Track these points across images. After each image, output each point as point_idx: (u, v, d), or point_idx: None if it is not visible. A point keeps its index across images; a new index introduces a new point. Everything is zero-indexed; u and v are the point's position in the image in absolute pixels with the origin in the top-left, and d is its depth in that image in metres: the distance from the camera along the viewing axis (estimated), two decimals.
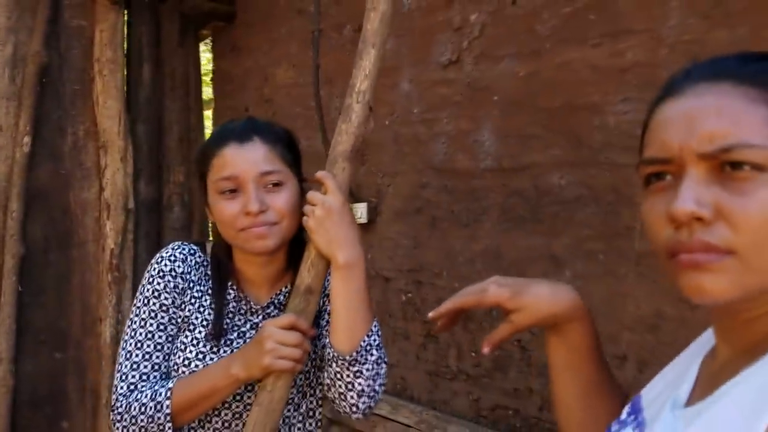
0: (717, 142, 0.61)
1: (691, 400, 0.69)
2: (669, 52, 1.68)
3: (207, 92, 3.72)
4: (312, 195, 1.14)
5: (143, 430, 1.18)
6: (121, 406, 1.20)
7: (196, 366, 1.21)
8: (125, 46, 2.96)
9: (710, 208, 0.60)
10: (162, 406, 1.16)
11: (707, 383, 0.67)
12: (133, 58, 2.99)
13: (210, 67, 3.64)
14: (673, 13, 1.68)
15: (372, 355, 1.15)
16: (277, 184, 1.19)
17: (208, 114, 3.82)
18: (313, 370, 1.28)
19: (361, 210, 2.53)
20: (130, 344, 1.23)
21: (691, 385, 0.71)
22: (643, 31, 1.72)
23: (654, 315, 1.74)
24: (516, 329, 0.89)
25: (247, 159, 1.18)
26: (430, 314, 0.95)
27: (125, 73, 2.94)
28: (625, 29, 1.76)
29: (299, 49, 2.79)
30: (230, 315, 1.26)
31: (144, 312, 1.24)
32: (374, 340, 1.16)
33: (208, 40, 3.48)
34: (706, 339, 0.76)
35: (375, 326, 1.17)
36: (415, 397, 2.41)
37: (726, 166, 0.61)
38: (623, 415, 0.78)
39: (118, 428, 1.21)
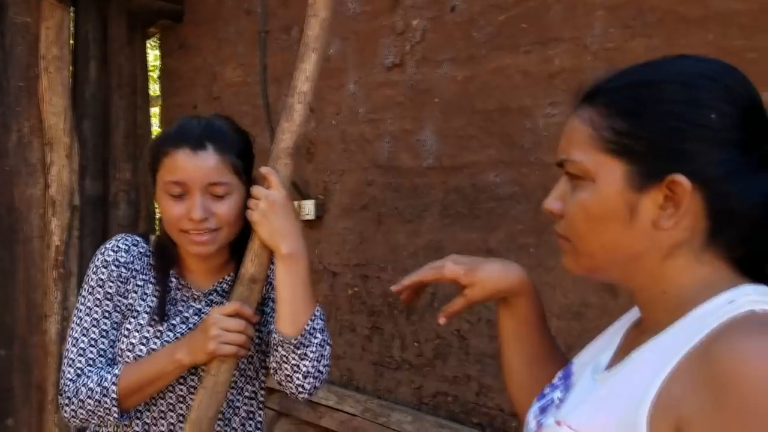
0: (559, 155, 0.79)
1: (610, 365, 0.80)
2: (593, 58, 1.81)
3: (155, 89, 3.71)
4: (256, 189, 1.21)
5: (91, 413, 1.24)
6: (69, 390, 1.25)
7: (140, 351, 1.26)
8: (72, 43, 2.95)
9: (560, 205, 0.78)
10: (108, 391, 1.22)
11: (626, 350, 0.78)
12: (80, 55, 2.99)
13: (157, 64, 3.64)
14: (597, 23, 1.81)
15: (315, 338, 1.23)
16: (222, 192, 1.23)
17: (155, 111, 3.82)
18: (256, 355, 1.35)
19: (309, 207, 2.60)
20: (77, 331, 1.29)
21: (613, 351, 0.82)
22: (569, 39, 1.85)
23: (579, 304, 1.87)
24: (469, 302, 1.00)
25: (197, 168, 1.21)
26: (393, 287, 1.07)
27: (71, 70, 2.93)
28: (553, 37, 1.89)
29: (247, 49, 2.84)
30: (173, 302, 1.31)
31: (89, 301, 1.29)
32: (317, 324, 1.24)
33: (155, 38, 3.48)
34: (634, 312, 0.87)
35: (318, 311, 1.25)
36: (360, 387, 2.50)
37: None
38: (555, 380, 0.89)
39: (66, 412, 1.26)
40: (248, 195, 1.26)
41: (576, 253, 0.78)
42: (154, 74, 3.80)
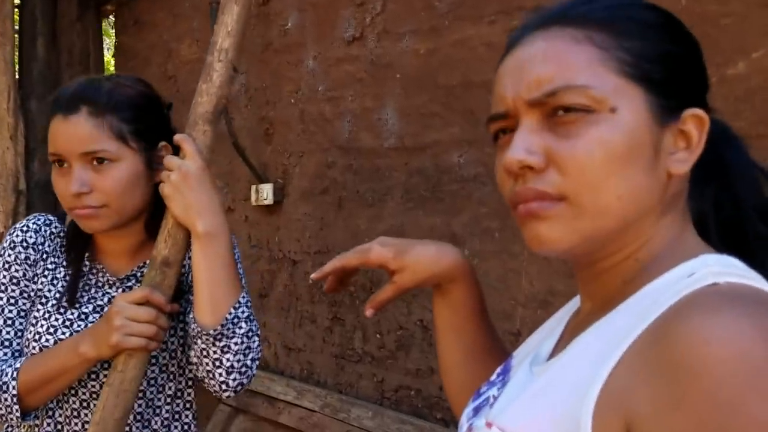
0: (543, 87, 0.59)
1: (552, 356, 0.68)
2: None
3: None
4: (168, 159, 1.07)
5: None
6: None
7: (47, 341, 1.13)
8: (19, 19, 2.79)
9: (541, 156, 0.59)
10: (8, 387, 1.09)
11: (568, 338, 0.66)
12: (26, 31, 2.82)
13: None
14: None
15: (240, 328, 1.09)
16: (103, 161, 1.09)
17: None
18: (180, 348, 1.21)
19: (267, 191, 2.47)
20: None
21: (555, 341, 0.70)
22: (534, 8, 1.72)
23: (546, 291, 1.75)
24: (399, 289, 0.87)
25: (70, 136, 1.08)
26: (313, 275, 0.93)
27: (18, 46, 2.76)
28: (518, 6, 1.76)
29: (202, 24, 2.69)
30: (86, 287, 1.18)
31: None
32: (242, 312, 1.10)
33: (112, 16, 3.32)
34: (575, 301, 0.75)
35: (243, 297, 1.11)
36: (321, 381, 2.37)
37: (558, 111, 0.59)
38: (493, 376, 0.77)
39: None
40: (148, 164, 1.12)
41: (578, 214, 0.59)
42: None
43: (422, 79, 2.01)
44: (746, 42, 1.42)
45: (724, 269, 0.55)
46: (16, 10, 2.85)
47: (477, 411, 0.72)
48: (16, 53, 2.81)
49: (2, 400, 1.09)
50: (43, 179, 2.82)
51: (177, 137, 1.08)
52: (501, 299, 1.83)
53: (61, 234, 1.20)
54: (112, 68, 3.56)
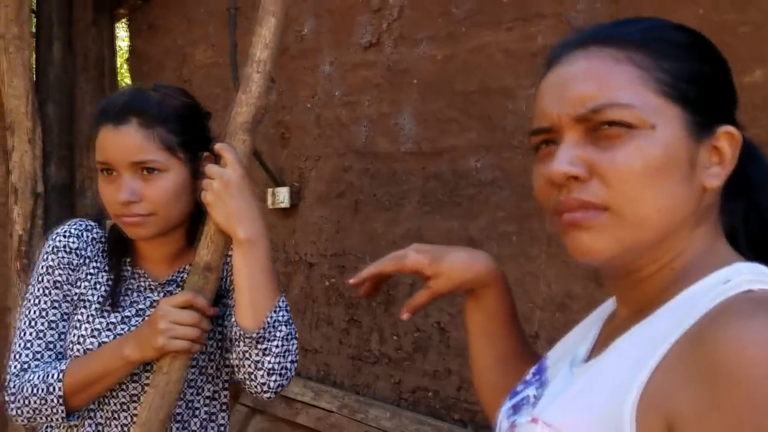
0: (587, 104, 0.63)
1: (590, 357, 0.71)
2: None
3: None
4: (210, 168, 1.10)
5: (36, 411, 1.14)
6: (14, 386, 1.15)
7: (90, 344, 1.16)
8: (34, 23, 2.82)
9: (584, 167, 0.62)
10: (53, 388, 1.12)
11: (604, 342, 0.70)
12: (43, 36, 2.85)
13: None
14: None
15: (280, 331, 1.12)
16: (152, 171, 1.13)
17: None
18: (218, 351, 1.24)
19: (283, 194, 2.50)
20: (24, 322, 1.19)
21: (591, 344, 0.74)
22: (553, 15, 1.76)
23: (564, 295, 1.78)
24: (434, 295, 0.91)
25: (120, 146, 1.12)
26: (351, 280, 0.96)
27: (34, 51, 2.79)
28: (536, 13, 1.79)
29: (217, 29, 2.72)
30: (128, 292, 1.21)
31: (38, 290, 1.19)
32: (282, 316, 1.13)
33: (125, 20, 3.35)
34: (609, 304, 0.79)
35: (282, 302, 1.14)
36: (338, 382, 2.40)
37: (600, 126, 0.63)
38: (528, 376, 0.80)
39: (12, 410, 1.17)
40: (193, 174, 1.16)
41: (620, 224, 0.62)
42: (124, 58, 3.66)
43: (439, 85, 2.04)
44: (764, 50, 1.45)
45: (757, 277, 0.59)
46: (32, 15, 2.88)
47: (516, 409, 0.75)
48: (33, 58, 2.83)
49: (48, 401, 1.12)
50: (60, 182, 2.85)
51: (217, 146, 1.11)
52: (519, 302, 1.84)
53: (102, 239, 1.24)
54: (125, 72, 3.59)
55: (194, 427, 1.22)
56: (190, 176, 1.16)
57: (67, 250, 1.20)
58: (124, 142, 1.11)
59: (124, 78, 3.59)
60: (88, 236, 1.22)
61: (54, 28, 2.85)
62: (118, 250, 1.21)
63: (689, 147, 0.63)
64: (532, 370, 0.81)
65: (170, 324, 1.07)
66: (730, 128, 0.64)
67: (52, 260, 1.19)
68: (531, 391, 0.76)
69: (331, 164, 2.39)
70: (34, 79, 2.76)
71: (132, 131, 1.12)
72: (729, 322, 0.53)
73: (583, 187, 0.63)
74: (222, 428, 1.26)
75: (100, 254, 1.22)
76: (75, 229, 1.22)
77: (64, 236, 1.21)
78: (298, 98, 2.48)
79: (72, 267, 1.20)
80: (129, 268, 1.22)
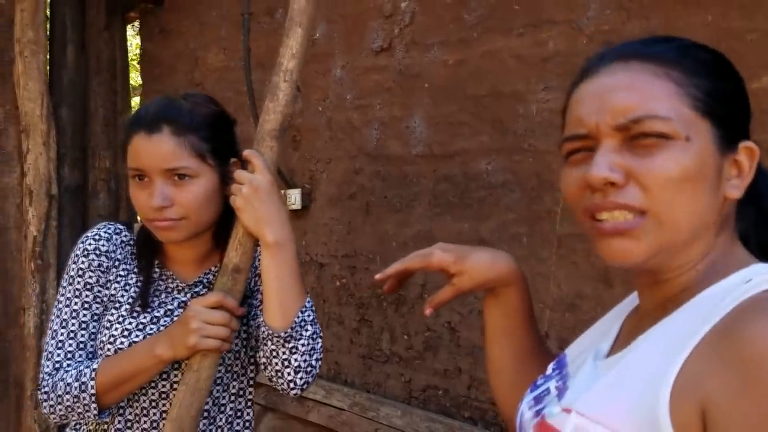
0: (628, 114, 0.67)
1: (611, 352, 0.76)
2: (588, 42, 1.75)
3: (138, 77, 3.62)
4: (239, 173, 1.14)
5: (69, 409, 1.18)
6: (47, 385, 1.19)
7: (121, 344, 1.20)
8: (48, 27, 2.86)
9: (621, 174, 0.67)
10: (87, 386, 1.15)
11: (627, 336, 0.74)
12: (57, 39, 2.89)
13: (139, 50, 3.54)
14: (592, 5, 1.75)
15: (307, 330, 1.16)
16: (184, 177, 1.17)
17: (138, 99, 3.72)
18: (244, 350, 1.28)
19: (295, 196, 2.54)
20: (56, 323, 1.23)
21: (613, 339, 0.79)
22: (563, 22, 1.79)
23: (574, 295, 1.82)
24: (458, 292, 0.95)
25: (153, 153, 1.16)
26: (377, 276, 1.01)
27: (48, 54, 2.83)
28: (547, 19, 1.83)
29: (229, 33, 2.75)
30: (157, 293, 1.25)
31: (69, 291, 1.23)
32: (308, 316, 1.17)
33: (136, 23, 3.38)
34: (630, 300, 0.84)
35: (308, 302, 1.19)
36: (349, 381, 2.44)
37: (638, 136, 0.68)
38: (549, 371, 0.85)
39: (45, 408, 1.21)
40: (222, 179, 1.20)
41: (658, 228, 0.67)
42: (137, 61, 3.69)
43: (451, 90, 2.08)
44: None
45: None
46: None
47: (538, 400, 0.80)
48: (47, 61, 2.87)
49: (81, 399, 1.16)
50: (73, 184, 2.89)
51: (246, 153, 1.15)
52: None
53: (131, 242, 1.28)
54: (136, 74, 3.62)
55: (221, 423, 1.26)
56: (219, 181, 1.20)
57: (98, 252, 1.24)
58: (157, 149, 1.15)
59: (136, 81, 3.62)
60: (117, 239, 1.27)
61: (68, 32, 2.90)
62: (147, 252, 1.25)
63: (717, 159, 0.68)
64: (552, 365, 0.85)
65: (202, 324, 1.11)
66: (750, 143, 0.71)
67: (83, 263, 1.24)
68: (553, 384, 0.80)
69: (342, 167, 2.43)
70: (48, 82, 2.79)
71: (165, 139, 1.16)
72: (756, 318, 0.59)
73: (621, 192, 0.67)
74: (248, 424, 1.30)
75: (130, 257, 1.27)
76: (105, 232, 1.26)
77: (95, 239, 1.25)
78: (309, 101, 2.52)
79: (102, 269, 1.24)
80: (158, 270, 1.26)
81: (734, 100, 0.71)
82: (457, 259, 0.94)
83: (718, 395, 0.58)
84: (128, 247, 1.27)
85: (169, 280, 1.26)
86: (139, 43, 3.32)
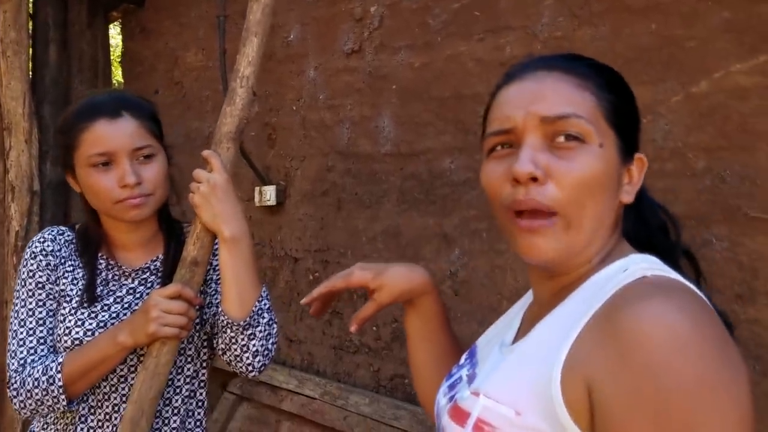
0: (556, 110, 0.74)
1: (515, 341, 0.84)
2: (542, 47, 1.84)
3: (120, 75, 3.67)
4: (198, 172, 1.23)
5: (39, 402, 1.24)
6: (15, 382, 1.26)
7: (77, 333, 1.27)
8: (31, 26, 2.91)
9: (543, 170, 0.73)
10: (54, 379, 1.22)
11: (528, 325, 0.82)
12: (39, 38, 2.95)
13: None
14: (546, 12, 1.84)
15: (263, 318, 1.25)
16: (148, 156, 1.27)
17: None
18: (197, 334, 1.36)
19: (270, 192, 2.61)
20: (15, 324, 1.30)
21: (516, 330, 0.87)
22: (519, 28, 1.88)
23: (528, 286, 1.91)
24: (379, 306, 1.02)
25: (120, 135, 1.24)
26: (303, 300, 1.08)
27: (30, 54, 2.89)
28: (504, 25, 1.91)
29: (208, 33, 2.82)
30: (105, 282, 1.33)
31: (23, 293, 1.31)
32: (264, 305, 1.26)
33: (118, 22, 3.44)
34: (530, 294, 0.93)
35: (264, 292, 1.28)
36: (321, 371, 2.52)
37: (557, 136, 0.74)
38: (461, 360, 0.93)
39: (15, 404, 1.27)
40: (169, 160, 1.31)
41: (566, 229, 0.74)
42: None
43: (416, 91, 2.16)
44: (709, 63, 1.57)
45: (650, 265, 0.73)
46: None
47: (452, 387, 0.88)
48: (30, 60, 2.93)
49: (50, 391, 1.23)
50: (55, 180, 2.95)
51: (205, 153, 1.24)
52: (488, 294, 1.99)
53: (74, 240, 1.37)
54: (118, 74, 3.69)
55: (177, 404, 1.35)
56: (167, 161, 1.31)
57: (44, 253, 1.32)
58: (123, 131, 1.25)
59: (118, 79, 3.68)
60: (61, 239, 1.35)
61: (50, 31, 2.95)
62: (90, 246, 1.34)
63: (618, 168, 0.77)
64: (465, 355, 0.93)
65: (161, 313, 1.19)
66: (642, 156, 0.80)
67: (32, 264, 1.32)
68: (464, 372, 0.88)
69: (315, 164, 2.51)
70: (31, 81, 2.85)
71: (128, 122, 1.26)
72: (632, 303, 0.66)
73: (541, 189, 0.72)
74: (200, 404, 1.39)
75: (74, 253, 1.35)
76: (49, 234, 1.36)
77: (40, 242, 1.34)
78: (284, 101, 2.59)
79: (51, 268, 1.32)
80: (103, 261, 1.35)
81: (631, 116, 0.80)
82: (375, 276, 1.01)
83: (600, 373, 0.65)
84: (72, 245, 1.35)
85: (115, 269, 1.34)
86: (121, 42, 3.39)
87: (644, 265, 0.73)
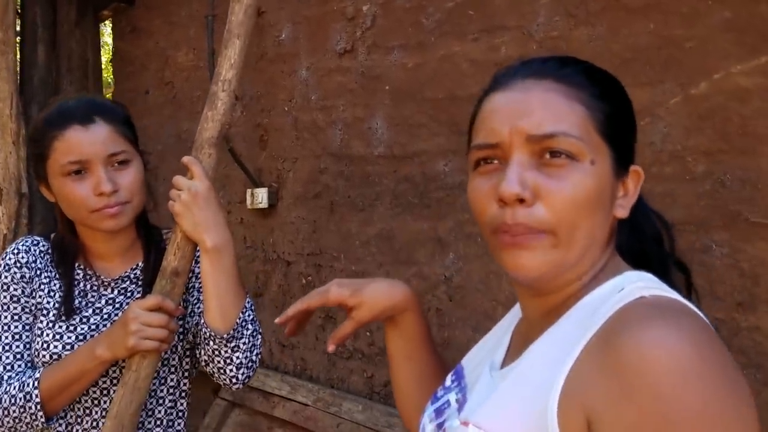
0: (543, 128, 0.69)
1: (505, 362, 0.79)
2: (538, 47, 1.80)
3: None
4: (178, 180, 1.18)
5: (17, 420, 1.20)
6: None
7: (56, 347, 1.23)
8: (18, 26, 2.87)
9: (531, 191, 0.68)
10: (31, 396, 1.18)
11: (518, 346, 0.77)
12: (27, 38, 2.91)
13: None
14: (541, 11, 1.79)
15: (247, 329, 1.21)
16: (123, 162, 1.23)
17: (108, 96, 3.72)
18: (180, 344, 1.32)
19: (262, 195, 2.57)
20: None
21: (505, 350, 0.82)
22: (515, 28, 1.84)
23: None
24: (358, 324, 0.96)
25: (93, 142, 1.20)
26: (277, 319, 1.01)
27: (19, 54, 2.84)
28: (499, 25, 1.87)
29: (198, 33, 2.78)
30: (83, 293, 1.28)
31: None
32: (249, 316, 1.22)
33: (108, 21, 3.40)
34: (516, 311, 0.87)
35: (248, 302, 1.23)
36: (314, 377, 2.49)
37: (546, 153, 0.69)
38: (447, 382, 0.87)
39: None
40: (145, 165, 1.26)
41: (556, 248, 0.69)
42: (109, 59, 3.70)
43: (410, 92, 2.12)
44: (708, 64, 1.53)
45: (646, 284, 0.68)
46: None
47: (439, 413, 0.83)
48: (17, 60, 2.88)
49: (27, 408, 1.18)
50: None
51: (185, 159, 1.19)
52: (483, 300, 1.95)
53: (49, 251, 1.31)
54: (109, 73, 3.64)
55: (159, 415, 1.31)
56: (143, 167, 1.26)
57: (18, 265, 1.27)
58: (96, 138, 1.20)
59: (108, 79, 3.64)
60: (36, 250, 1.29)
61: (38, 31, 2.91)
62: (66, 256, 1.28)
63: (612, 182, 0.72)
64: (450, 377, 0.88)
65: (141, 326, 1.14)
66: (638, 167, 0.74)
67: (6, 277, 1.26)
68: (452, 396, 0.83)
69: (307, 166, 2.46)
70: (19, 81, 2.80)
71: (101, 128, 1.21)
72: (631, 328, 0.62)
73: (529, 210, 0.68)
74: (181, 414, 1.34)
75: (50, 264, 1.29)
76: (23, 245, 1.29)
77: (14, 253, 1.28)
78: (276, 102, 2.55)
79: (26, 280, 1.27)
80: (80, 271, 1.29)
81: (628, 125, 0.75)
82: (353, 293, 0.94)
83: (600, 403, 0.61)
84: (47, 256, 1.30)
85: (93, 279, 1.30)
86: (111, 41, 3.34)
87: (641, 284, 0.68)
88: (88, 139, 1.20)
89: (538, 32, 1.80)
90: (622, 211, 0.74)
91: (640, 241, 0.79)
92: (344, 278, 1.00)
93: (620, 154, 0.73)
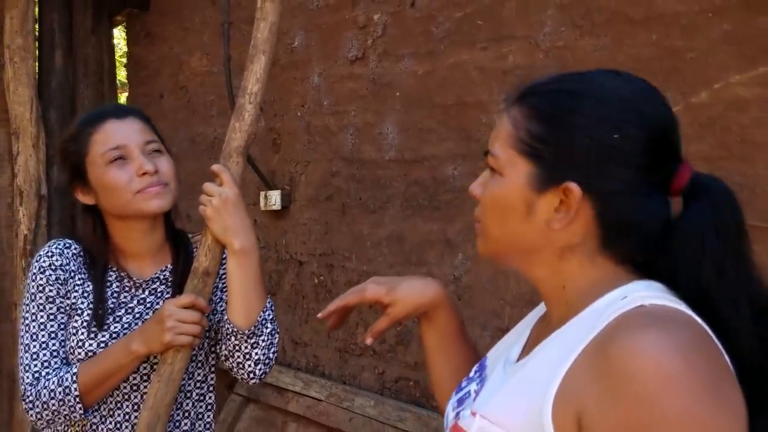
0: (486, 147, 0.83)
1: (520, 358, 0.85)
2: (544, 56, 1.87)
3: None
4: (209, 186, 1.26)
5: (56, 413, 1.27)
6: (31, 395, 1.28)
7: (90, 346, 1.30)
8: (37, 32, 2.95)
9: (481, 191, 0.83)
10: (70, 390, 1.25)
11: (533, 343, 0.84)
12: (45, 44, 2.98)
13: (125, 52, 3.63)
14: (548, 22, 1.87)
15: (267, 327, 1.29)
16: (158, 151, 1.33)
17: (123, 100, 3.80)
18: (207, 341, 1.40)
19: (275, 197, 2.64)
20: (26, 338, 1.31)
21: (522, 345, 0.88)
22: (522, 38, 1.91)
23: (532, 292, 1.94)
24: (393, 320, 1.03)
25: (130, 130, 1.31)
26: (319, 315, 1.08)
27: (37, 59, 2.92)
28: (507, 35, 1.94)
29: (212, 39, 2.85)
30: (115, 294, 1.35)
31: (33, 307, 1.32)
32: (268, 315, 1.30)
33: (122, 26, 3.47)
34: (540, 308, 0.93)
35: (269, 302, 1.31)
36: (326, 373, 2.56)
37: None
38: (471, 373, 0.94)
39: (32, 415, 1.29)
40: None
41: (483, 236, 0.84)
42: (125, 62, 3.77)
43: (420, 98, 2.19)
44: (709, 74, 1.60)
45: (649, 293, 0.73)
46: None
47: (461, 402, 0.89)
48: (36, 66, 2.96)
49: (66, 401, 1.26)
50: (62, 184, 2.99)
51: (215, 167, 1.27)
52: (491, 299, 2.02)
53: (81, 253, 1.37)
54: (123, 78, 3.71)
55: (188, 408, 1.39)
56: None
57: (53, 268, 1.33)
58: (132, 128, 1.31)
59: (123, 84, 3.71)
60: (68, 252, 1.36)
61: (56, 37, 2.98)
62: (98, 258, 1.35)
63: (527, 195, 0.77)
64: (475, 368, 0.94)
65: (176, 322, 1.22)
66: (570, 184, 0.74)
67: (41, 279, 1.32)
68: (473, 387, 0.89)
69: (320, 169, 2.54)
70: (37, 86, 2.88)
71: (136, 121, 1.33)
72: (622, 335, 0.67)
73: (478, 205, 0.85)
74: (210, 407, 1.43)
75: (83, 266, 1.36)
76: (56, 248, 1.36)
77: (48, 256, 1.34)
78: (289, 107, 2.62)
79: (60, 282, 1.33)
80: (113, 273, 1.36)
81: (562, 145, 0.76)
82: (388, 291, 1.00)
83: (590, 404, 0.66)
84: (80, 258, 1.36)
85: (125, 280, 1.36)
86: (126, 46, 3.42)
87: (644, 292, 0.72)
88: (124, 129, 1.30)
89: (545, 42, 1.87)
90: (557, 224, 0.76)
91: (646, 255, 0.79)
92: (381, 276, 1.06)
93: (548, 171, 0.76)
